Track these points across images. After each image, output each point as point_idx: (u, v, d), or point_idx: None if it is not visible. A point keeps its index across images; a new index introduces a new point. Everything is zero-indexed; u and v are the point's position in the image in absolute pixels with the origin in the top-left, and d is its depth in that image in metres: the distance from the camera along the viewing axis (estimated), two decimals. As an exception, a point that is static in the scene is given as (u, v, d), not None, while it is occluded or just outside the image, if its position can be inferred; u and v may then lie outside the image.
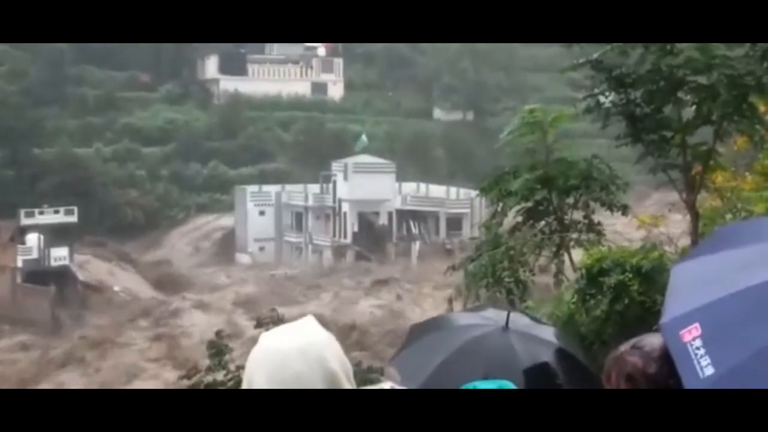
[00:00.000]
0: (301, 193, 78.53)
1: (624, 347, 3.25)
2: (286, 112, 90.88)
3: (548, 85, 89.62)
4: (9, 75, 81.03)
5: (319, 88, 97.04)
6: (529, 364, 4.33)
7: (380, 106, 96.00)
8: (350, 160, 76.99)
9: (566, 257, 15.35)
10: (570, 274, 14.93)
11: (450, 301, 18.85)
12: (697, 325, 2.80)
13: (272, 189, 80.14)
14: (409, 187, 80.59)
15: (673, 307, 3.01)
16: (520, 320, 4.75)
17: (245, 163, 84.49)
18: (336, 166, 77.38)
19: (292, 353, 2.38)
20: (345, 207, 76.18)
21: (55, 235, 66.38)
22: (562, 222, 15.67)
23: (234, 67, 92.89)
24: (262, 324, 28.37)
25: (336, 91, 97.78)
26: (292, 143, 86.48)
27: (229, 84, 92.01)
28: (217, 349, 26.82)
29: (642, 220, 18.45)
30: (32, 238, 66.32)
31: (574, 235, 15.51)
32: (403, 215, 77.39)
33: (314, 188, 78.99)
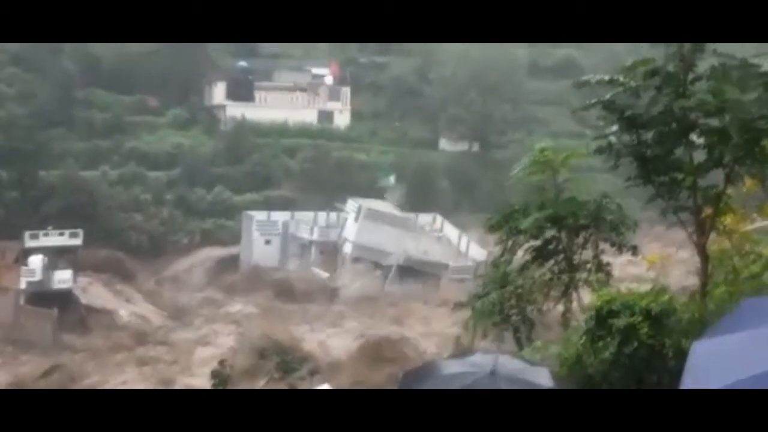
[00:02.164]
0: (307, 225, 78.03)
1: None
2: (293, 139, 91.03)
3: (555, 118, 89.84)
4: (18, 97, 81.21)
5: (326, 116, 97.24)
6: None
7: (386, 136, 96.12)
8: (367, 204, 76.20)
9: (575, 297, 15.30)
10: (578, 314, 14.88)
11: (457, 339, 18.76)
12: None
13: (280, 217, 79.88)
14: (425, 219, 79.85)
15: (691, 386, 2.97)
16: (509, 364, 4.71)
17: (250, 190, 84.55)
18: (351, 204, 76.86)
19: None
20: (347, 248, 75.63)
21: (59, 257, 66.41)
22: (571, 261, 15.63)
23: (241, 94, 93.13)
24: (265, 355, 28.43)
25: (342, 119, 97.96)
26: (298, 171, 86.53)
27: (236, 110, 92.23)
28: (221, 378, 26.92)
29: (651, 260, 18.38)
30: (36, 260, 66.27)
31: (583, 275, 15.47)
32: (404, 270, 74.01)
33: (324, 217, 78.84)
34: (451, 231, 78.64)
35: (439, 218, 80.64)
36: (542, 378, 4.87)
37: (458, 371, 4.96)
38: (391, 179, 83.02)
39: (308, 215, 79.15)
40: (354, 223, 74.68)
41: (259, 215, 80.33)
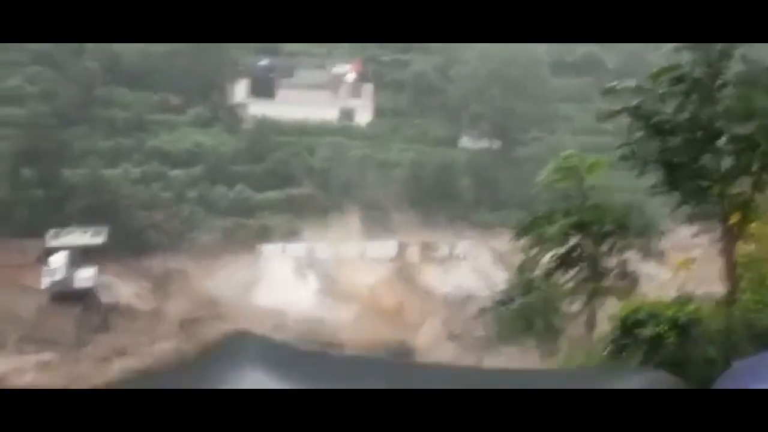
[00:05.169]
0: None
1: None
2: (314, 137, 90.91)
3: (577, 115, 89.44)
4: (40, 96, 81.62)
5: (347, 113, 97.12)
6: None
7: (407, 133, 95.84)
8: None
9: (599, 304, 15.19)
10: (603, 322, 14.76)
11: (482, 345, 18.66)
12: None
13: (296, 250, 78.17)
14: (466, 246, 78.89)
15: None
16: None
17: (272, 188, 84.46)
18: None
19: None
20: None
21: (81, 256, 66.66)
22: (596, 269, 15.52)
23: (263, 92, 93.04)
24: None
25: (364, 117, 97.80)
26: (319, 168, 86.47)
27: (257, 108, 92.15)
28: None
29: (677, 265, 18.24)
30: (58, 259, 66.53)
31: (608, 283, 15.35)
32: None
33: (345, 247, 78.16)
34: (486, 259, 77.62)
35: (478, 246, 79.63)
36: None
37: None
38: None
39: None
40: None
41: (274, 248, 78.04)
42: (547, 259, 15.97)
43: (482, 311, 17.29)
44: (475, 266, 77.74)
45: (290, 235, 77.02)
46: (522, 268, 16.68)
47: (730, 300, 12.87)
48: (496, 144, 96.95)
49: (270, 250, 76.41)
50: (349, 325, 59.87)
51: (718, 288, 14.82)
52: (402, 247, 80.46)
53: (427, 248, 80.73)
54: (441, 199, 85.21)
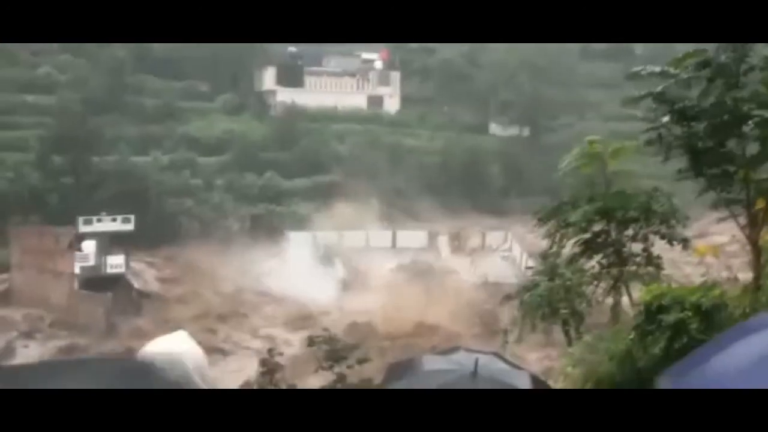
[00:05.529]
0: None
1: None
2: (342, 124, 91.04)
3: (606, 101, 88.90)
4: (71, 83, 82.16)
5: (376, 101, 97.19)
6: None
7: (436, 121, 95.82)
8: None
9: (624, 290, 15.16)
10: (628, 307, 14.74)
11: (505, 332, 18.68)
12: None
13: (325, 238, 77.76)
14: (497, 237, 78.54)
15: None
16: (491, 365, 4.69)
17: (300, 175, 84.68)
18: None
19: (159, 356, 3.01)
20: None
21: (112, 242, 67.20)
22: (621, 254, 15.48)
23: (291, 79, 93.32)
24: (314, 343, 28.50)
25: (392, 104, 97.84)
26: (348, 156, 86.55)
27: (285, 95, 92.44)
28: (269, 367, 26.95)
29: (701, 251, 18.15)
30: (89, 245, 67.08)
31: (633, 268, 15.31)
32: None
33: (374, 235, 78.61)
34: (516, 249, 77.38)
35: (509, 236, 79.52)
36: (523, 382, 4.85)
37: (440, 368, 4.96)
38: None
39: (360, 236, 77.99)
40: None
41: (303, 235, 77.48)
42: (571, 245, 15.95)
43: (506, 298, 17.31)
44: (506, 257, 77.57)
45: (319, 223, 77.11)
46: (546, 255, 16.67)
47: (754, 286, 12.79)
48: (525, 131, 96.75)
49: (299, 237, 76.54)
50: (377, 315, 59.98)
51: (743, 274, 14.76)
52: (432, 237, 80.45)
53: (456, 238, 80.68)
54: (470, 186, 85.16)
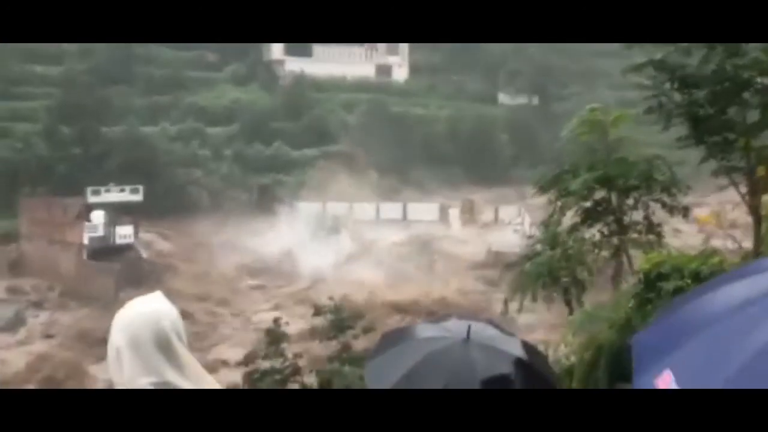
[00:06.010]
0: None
1: None
2: (351, 94, 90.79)
3: (615, 70, 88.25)
4: (79, 54, 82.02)
5: (384, 70, 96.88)
6: (487, 376, 4.32)
7: (445, 90, 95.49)
8: None
9: (625, 258, 15.14)
10: (628, 276, 14.72)
11: (505, 301, 18.68)
12: (668, 371, 2.63)
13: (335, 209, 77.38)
14: (510, 211, 78.45)
15: (639, 368, 2.82)
16: (483, 332, 4.70)
17: (309, 145, 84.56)
18: None
19: (135, 316, 2.99)
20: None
21: (121, 213, 67.32)
22: (621, 223, 15.44)
23: (299, 49, 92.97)
24: (321, 312, 28.62)
25: (401, 73, 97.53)
26: (356, 125, 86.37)
27: (294, 65, 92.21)
28: (274, 336, 27.12)
29: (703, 219, 18.15)
30: (98, 216, 67.20)
31: (633, 236, 15.28)
32: None
33: (385, 207, 78.51)
34: (527, 222, 77.21)
35: (523, 210, 79.18)
36: (514, 348, 4.88)
37: (433, 335, 4.99)
38: None
39: (369, 209, 77.74)
40: None
41: (311, 206, 77.05)
42: (572, 213, 15.90)
43: (508, 266, 17.28)
44: (518, 230, 77.28)
45: (327, 193, 77.05)
46: (547, 223, 16.64)
47: (755, 252, 12.74)
48: (535, 100, 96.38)
49: (308, 208, 76.49)
50: (381, 285, 60.14)
51: (743, 242, 14.73)
52: (443, 210, 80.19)
53: (468, 211, 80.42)
54: (479, 155, 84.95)
